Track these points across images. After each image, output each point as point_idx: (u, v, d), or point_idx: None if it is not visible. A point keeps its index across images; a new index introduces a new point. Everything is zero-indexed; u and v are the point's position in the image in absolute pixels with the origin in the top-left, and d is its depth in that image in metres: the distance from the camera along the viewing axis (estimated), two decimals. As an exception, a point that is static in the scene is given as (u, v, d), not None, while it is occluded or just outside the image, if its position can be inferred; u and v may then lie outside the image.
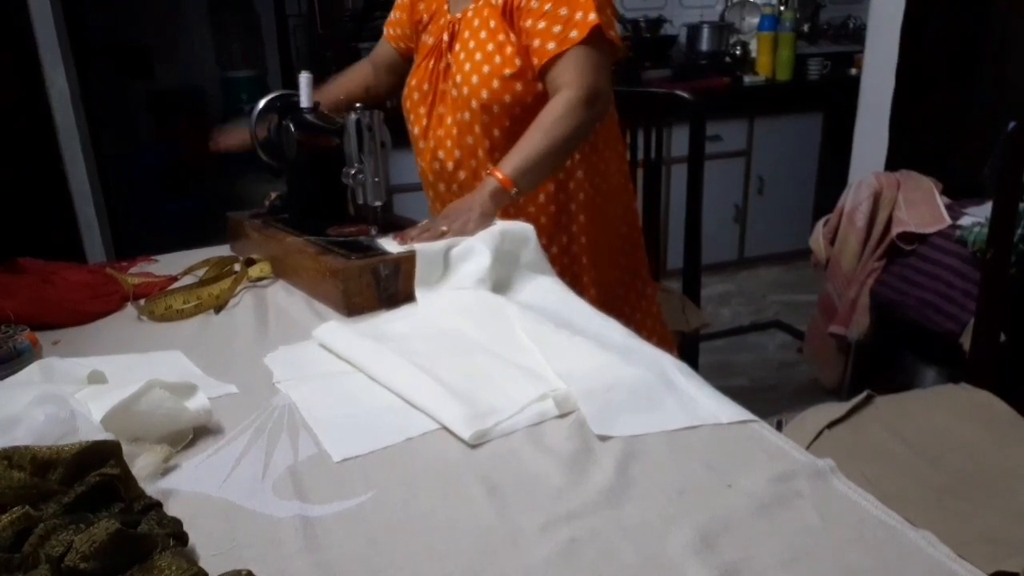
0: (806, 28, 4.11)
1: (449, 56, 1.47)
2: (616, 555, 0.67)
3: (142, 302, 1.29)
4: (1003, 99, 2.51)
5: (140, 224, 3.86)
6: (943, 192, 2.28)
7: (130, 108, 4.60)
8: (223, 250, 1.59)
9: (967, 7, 2.48)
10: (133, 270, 1.49)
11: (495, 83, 1.40)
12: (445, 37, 1.48)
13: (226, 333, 1.21)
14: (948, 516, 1.23)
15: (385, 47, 1.71)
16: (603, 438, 0.85)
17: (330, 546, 0.69)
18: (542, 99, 1.39)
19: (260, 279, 1.41)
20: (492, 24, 1.40)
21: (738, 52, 3.95)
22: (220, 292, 1.31)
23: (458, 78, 1.43)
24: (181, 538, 0.67)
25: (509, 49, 1.39)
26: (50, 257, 1.43)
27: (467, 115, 1.44)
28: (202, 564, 0.64)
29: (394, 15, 1.66)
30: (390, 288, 1.24)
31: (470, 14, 1.44)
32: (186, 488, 0.78)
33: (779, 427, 1.50)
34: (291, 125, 1.44)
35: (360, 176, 1.33)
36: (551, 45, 1.33)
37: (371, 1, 3.51)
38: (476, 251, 1.22)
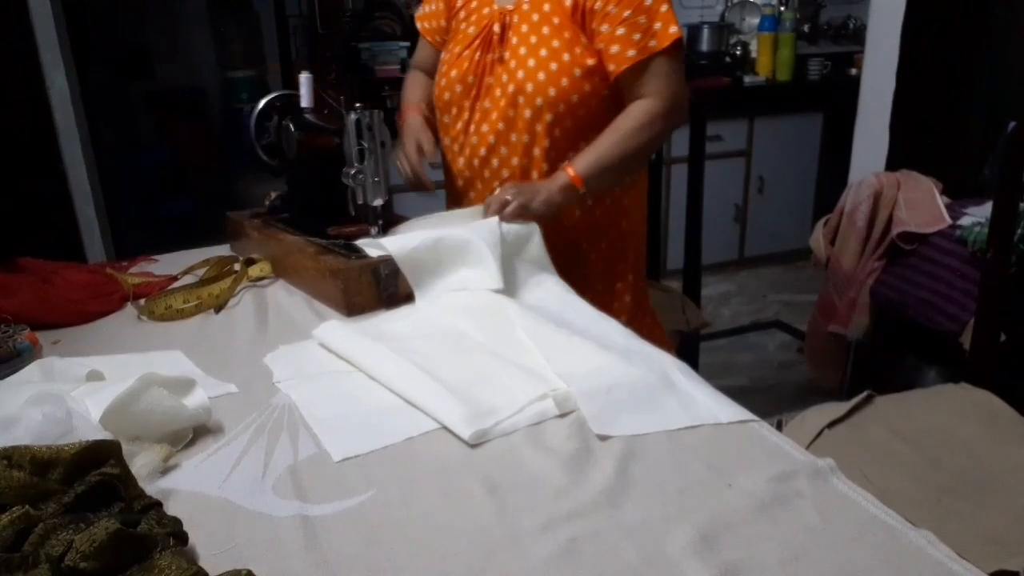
0: (806, 28, 4.10)
1: (502, 49, 1.41)
2: (616, 555, 0.67)
3: (142, 302, 1.29)
4: (1003, 99, 2.51)
5: (140, 224, 3.86)
6: (943, 192, 2.28)
7: (130, 108, 4.60)
8: (223, 250, 1.59)
9: (967, 7, 2.48)
10: (133, 270, 1.49)
11: (564, 81, 1.36)
12: (496, 28, 1.41)
13: (226, 333, 1.21)
14: (948, 515, 1.23)
15: (426, 49, 1.61)
16: (603, 438, 0.85)
17: (330, 546, 0.69)
18: (606, 102, 1.38)
19: (260, 279, 1.41)
20: (556, 21, 1.36)
21: (738, 52, 3.95)
22: (220, 292, 1.31)
23: (520, 74, 1.38)
24: (181, 537, 0.67)
25: (579, 49, 1.36)
26: (50, 257, 1.43)
27: (513, 112, 1.40)
28: (202, 564, 0.64)
29: (427, 8, 1.57)
30: (390, 288, 1.24)
31: (526, 7, 1.39)
32: (186, 488, 0.78)
33: (779, 427, 1.50)
34: (291, 125, 1.44)
35: (360, 176, 1.33)
36: (631, 52, 1.33)
37: (371, 1, 3.51)
38: (481, 256, 1.22)
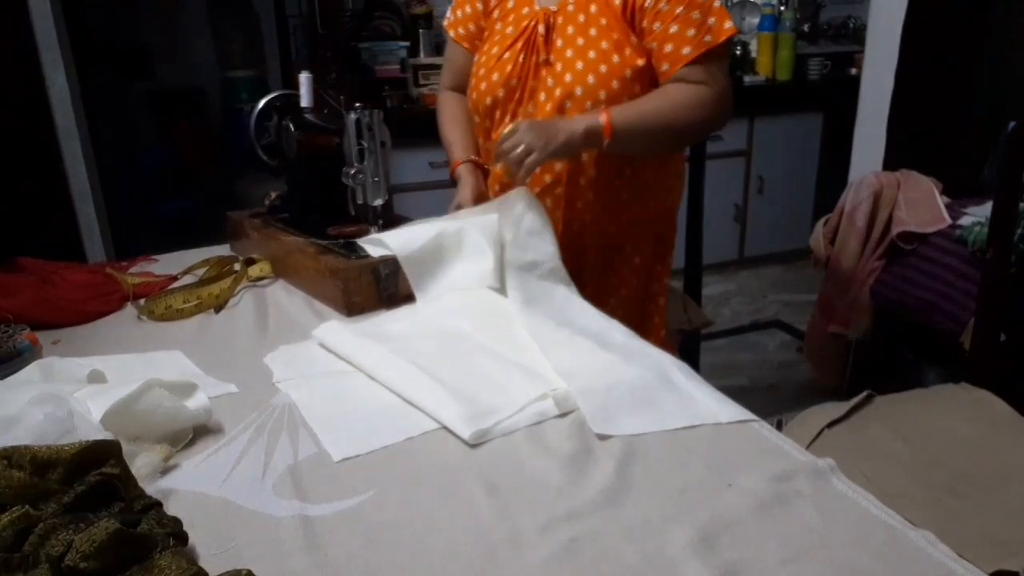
0: (806, 28, 4.10)
1: (547, 52, 1.36)
2: (616, 555, 0.67)
3: (142, 302, 1.29)
4: (1003, 99, 2.51)
5: (140, 224, 3.86)
6: (943, 192, 2.28)
7: (130, 108, 4.60)
8: (223, 250, 1.59)
9: (968, 7, 2.48)
10: (133, 270, 1.49)
11: (614, 83, 1.31)
12: (541, 30, 1.36)
13: (226, 333, 1.21)
14: (948, 515, 1.23)
15: (460, 59, 1.53)
16: (603, 437, 0.85)
17: (330, 545, 0.69)
18: None
19: (260, 279, 1.41)
20: (603, 22, 1.32)
21: (738, 52, 3.95)
22: (220, 292, 1.31)
23: (567, 77, 1.33)
24: (181, 537, 0.67)
25: (628, 50, 1.31)
26: (50, 257, 1.43)
27: (559, 116, 1.33)
28: (202, 564, 0.64)
29: (458, 13, 1.51)
30: (390, 288, 1.24)
31: (571, 8, 1.34)
32: (186, 487, 0.78)
33: (779, 427, 1.50)
34: (291, 125, 1.44)
35: (360, 176, 1.33)
36: (686, 49, 1.29)
37: (371, 1, 3.51)
38: (477, 252, 1.22)
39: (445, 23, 1.55)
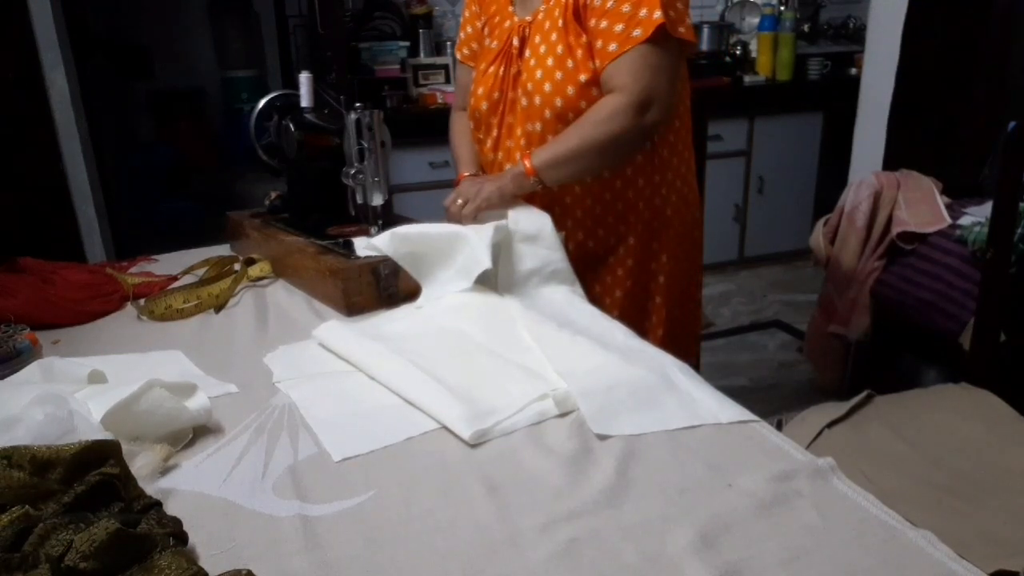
0: (806, 28, 4.11)
1: (519, 63, 1.37)
2: (616, 555, 0.67)
3: (142, 302, 1.29)
4: (1003, 99, 2.51)
5: (140, 224, 3.86)
6: (943, 192, 2.28)
7: (130, 108, 4.60)
8: (223, 250, 1.59)
9: (967, 7, 2.48)
10: (133, 270, 1.49)
11: (569, 90, 1.29)
12: (515, 42, 1.38)
13: (226, 333, 1.20)
14: (948, 515, 1.23)
15: (465, 77, 1.56)
16: (603, 437, 0.85)
17: (330, 546, 0.69)
18: None
19: (260, 279, 1.41)
20: (562, 25, 1.31)
21: (738, 52, 3.95)
22: (220, 292, 1.31)
23: (529, 86, 1.34)
24: (181, 537, 0.67)
25: (580, 52, 1.29)
26: (50, 257, 1.43)
27: (538, 126, 1.35)
28: (202, 563, 0.64)
29: (463, 33, 1.54)
30: (390, 288, 1.24)
31: (540, 16, 1.34)
32: (186, 487, 0.78)
33: (779, 427, 1.50)
34: (291, 125, 1.44)
35: (360, 176, 1.33)
36: (612, 46, 1.24)
37: (371, 1, 3.51)
38: (472, 257, 1.22)
39: (457, 46, 1.59)
